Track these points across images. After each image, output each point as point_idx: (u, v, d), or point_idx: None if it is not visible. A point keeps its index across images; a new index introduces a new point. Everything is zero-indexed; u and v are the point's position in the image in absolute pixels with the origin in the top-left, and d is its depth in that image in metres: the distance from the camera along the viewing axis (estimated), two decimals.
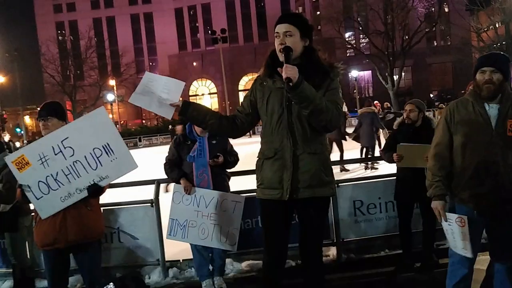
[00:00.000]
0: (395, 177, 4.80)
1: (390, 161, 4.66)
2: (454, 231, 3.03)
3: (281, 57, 2.80)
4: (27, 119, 48.04)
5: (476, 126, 2.96)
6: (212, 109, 3.24)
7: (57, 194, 3.25)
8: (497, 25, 43.10)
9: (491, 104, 2.97)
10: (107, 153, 3.28)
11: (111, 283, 3.05)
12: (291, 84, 2.62)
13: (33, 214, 3.59)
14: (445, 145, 3.06)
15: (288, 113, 2.85)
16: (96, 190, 3.31)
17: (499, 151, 2.91)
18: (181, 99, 2.97)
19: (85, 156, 3.27)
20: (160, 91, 2.91)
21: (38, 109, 3.54)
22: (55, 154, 3.23)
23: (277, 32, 2.86)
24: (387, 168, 4.94)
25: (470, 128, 2.98)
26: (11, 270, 4.80)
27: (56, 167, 3.24)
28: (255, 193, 3.11)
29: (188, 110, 2.94)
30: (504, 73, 2.95)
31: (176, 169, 4.59)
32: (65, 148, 3.24)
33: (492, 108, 2.96)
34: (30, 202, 3.36)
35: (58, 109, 3.51)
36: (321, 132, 2.89)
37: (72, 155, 3.26)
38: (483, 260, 3.32)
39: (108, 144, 3.29)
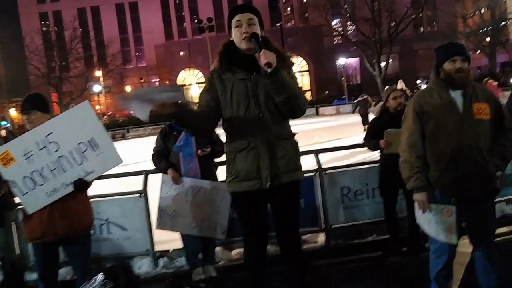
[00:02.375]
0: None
1: (375, 148, 4.72)
2: (438, 221, 3.07)
3: (246, 45, 2.77)
4: (13, 112, 47.37)
5: (446, 113, 3.02)
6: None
7: (43, 189, 3.24)
8: (482, 11, 43.38)
9: (456, 91, 3.05)
10: (92, 147, 3.27)
11: (101, 274, 3.05)
12: (270, 69, 2.60)
13: (20, 207, 3.58)
14: (417, 135, 3.10)
15: (255, 103, 2.81)
16: (82, 185, 3.29)
17: (470, 134, 2.98)
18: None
19: (70, 151, 3.25)
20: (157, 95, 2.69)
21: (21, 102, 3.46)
22: (40, 149, 3.21)
23: (239, 20, 2.81)
24: (372, 154, 4.99)
25: (440, 116, 3.04)
26: (0, 263, 4.79)
27: (41, 162, 3.22)
28: None
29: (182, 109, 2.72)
30: (469, 62, 3.08)
31: (164, 159, 4.60)
32: (49, 143, 3.22)
33: (457, 95, 3.04)
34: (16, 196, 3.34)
35: (41, 102, 3.45)
36: (287, 118, 2.90)
37: (57, 150, 3.23)
38: (468, 244, 3.38)
39: (93, 139, 3.27)
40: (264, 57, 2.61)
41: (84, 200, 3.47)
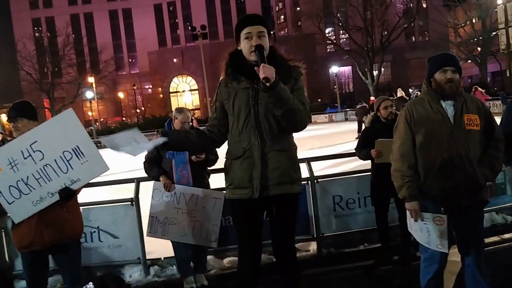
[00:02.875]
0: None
1: (366, 158, 4.74)
2: (430, 229, 3.08)
3: (254, 57, 2.80)
4: (4, 117, 47.04)
5: (437, 123, 3.05)
6: (186, 131, 3.32)
7: (29, 198, 3.20)
8: (474, 21, 43.84)
9: (447, 102, 3.08)
10: (77, 156, 3.23)
11: (91, 283, 3.02)
12: (268, 84, 2.64)
13: (8, 215, 3.54)
14: (409, 145, 3.13)
15: (255, 113, 2.85)
16: (67, 193, 3.25)
17: (461, 145, 3.01)
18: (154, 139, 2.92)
19: (55, 160, 3.22)
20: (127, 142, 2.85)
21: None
22: (25, 158, 3.17)
23: (249, 33, 2.84)
24: (364, 163, 5.00)
25: (431, 126, 3.06)
26: None
27: (26, 171, 3.19)
28: None
29: (169, 144, 2.94)
30: (460, 73, 3.11)
31: (156, 166, 4.58)
32: (34, 152, 3.18)
33: (448, 105, 3.08)
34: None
35: (28, 109, 3.42)
36: (287, 131, 2.90)
37: (42, 159, 3.20)
38: (457, 252, 3.39)
39: (78, 147, 3.24)
40: (263, 72, 2.64)
41: (73, 207, 3.43)
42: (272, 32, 48.19)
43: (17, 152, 3.18)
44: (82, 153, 3.24)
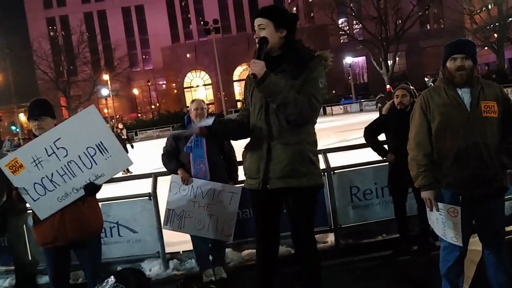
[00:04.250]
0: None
1: (373, 144, 4.78)
2: (445, 220, 3.06)
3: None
4: (22, 117, 47.77)
5: (453, 111, 3.01)
6: (228, 119, 3.34)
7: (54, 194, 3.26)
8: (489, 7, 43.03)
9: (463, 89, 3.03)
10: (101, 151, 3.28)
11: (112, 277, 3.07)
12: (256, 79, 2.72)
13: (29, 212, 3.60)
14: (425, 133, 3.09)
15: (266, 106, 2.90)
16: (92, 188, 3.32)
17: (478, 132, 2.97)
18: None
19: (79, 156, 3.27)
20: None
21: (28, 108, 3.44)
22: (49, 156, 3.23)
23: (255, 26, 2.92)
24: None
25: (447, 114, 3.02)
26: (13, 267, 4.83)
27: (50, 168, 3.24)
28: None
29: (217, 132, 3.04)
30: (473, 59, 3.04)
31: (174, 159, 4.61)
32: (58, 149, 3.23)
33: (465, 92, 3.03)
34: (27, 203, 3.36)
35: (49, 107, 3.47)
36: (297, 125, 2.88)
37: (66, 155, 3.25)
38: (478, 241, 3.36)
39: (101, 143, 3.29)
40: (250, 68, 2.75)
41: (93, 203, 3.49)
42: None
43: (41, 149, 3.23)
44: (105, 149, 3.29)
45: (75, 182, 3.28)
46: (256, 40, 2.87)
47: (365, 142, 4.99)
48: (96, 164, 3.29)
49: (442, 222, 3.08)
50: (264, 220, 3.05)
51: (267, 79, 2.71)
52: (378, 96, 23.41)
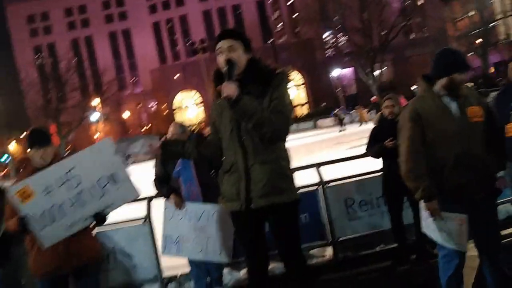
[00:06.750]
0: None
1: (379, 154, 4.74)
2: (451, 228, 3.05)
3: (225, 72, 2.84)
4: (12, 147, 47.45)
5: (442, 119, 3.06)
6: (185, 141, 3.33)
7: (62, 223, 3.22)
8: (471, 13, 43.78)
9: (449, 97, 3.08)
10: (113, 182, 3.28)
11: None
12: (230, 101, 2.72)
13: (24, 242, 3.54)
14: (419, 144, 3.10)
15: (236, 127, 2.88)
16: (102, 218, 3.32)
17: (470, 138, 3.01)
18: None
19: (91, 185, 3.26)
20: None
21: (28, 136, 3.43)
22: (61, 185, 3.20)
23: (220, 48, 2.88)
24: (374, 163, 4.99)
25: (438, 123, 3.06)
26: None
27: (61, 197, 3.21)
28: None
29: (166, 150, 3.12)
30: None
31: (165, 185, 4.59)
32: (71, 178, 3.22)
33: (450, 100, 3.08)
34: (29, 233, 3.29)
35: (49, 135, 3.51)
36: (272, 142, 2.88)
37: (78, 185, 3.23)
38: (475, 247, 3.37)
39: (114, 174, 3.29)
40: (223, 91, 2.73)
41: (90, 230, 3.48)
42: (270, 41, 48.39)
43: (54, 178, 3.20)
44: (116, 180, 3.29)
45: (85, 211, 3.26)
46: (224, 62, 2.83)
47: (359, 154, 5.00)
48: (107, 194, 3.28)
49: (445, 231, 3.07)
50: (253, 239, 3.00)
51: (241, 101, 2.72)
52: (337, 109, 24.08)
